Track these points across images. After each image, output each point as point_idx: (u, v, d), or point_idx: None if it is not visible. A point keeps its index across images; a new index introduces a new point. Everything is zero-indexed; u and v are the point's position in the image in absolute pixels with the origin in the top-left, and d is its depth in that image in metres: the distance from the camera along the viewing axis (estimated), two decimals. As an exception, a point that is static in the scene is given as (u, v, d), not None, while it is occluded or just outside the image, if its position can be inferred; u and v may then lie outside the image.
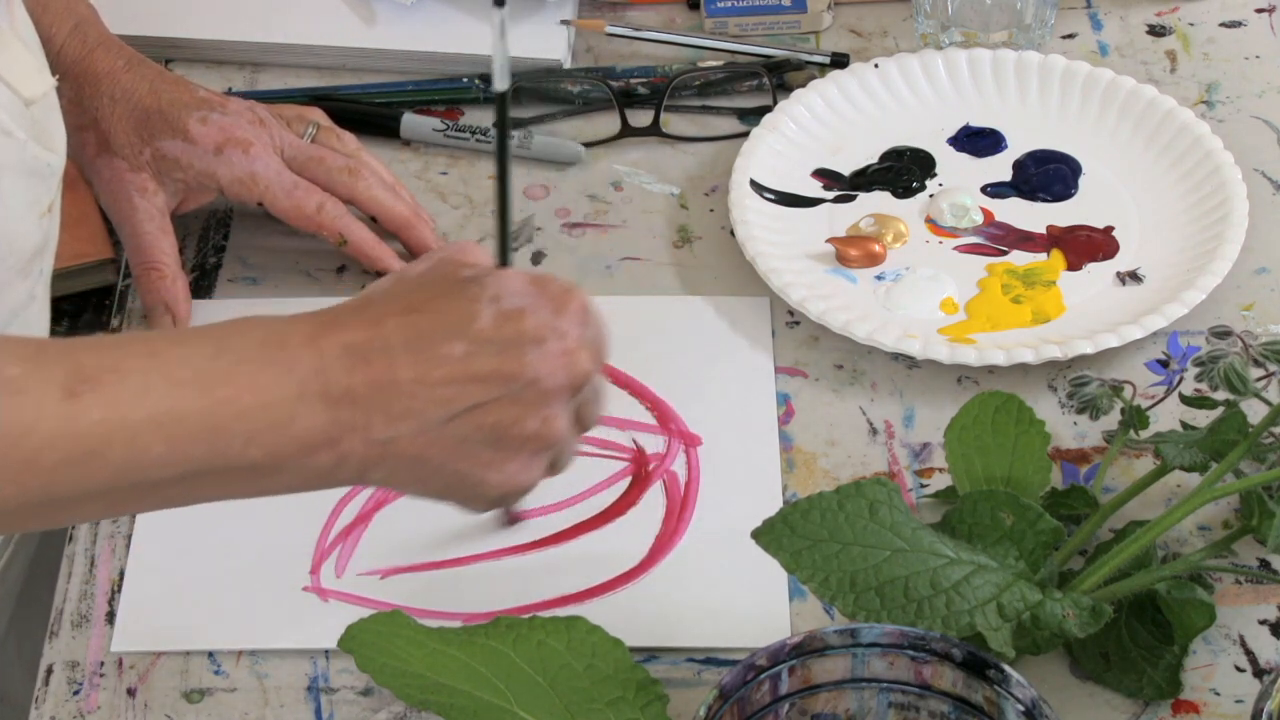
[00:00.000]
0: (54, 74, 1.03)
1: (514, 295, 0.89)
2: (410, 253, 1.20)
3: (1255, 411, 1.00)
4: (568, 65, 1.33)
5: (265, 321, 0.87)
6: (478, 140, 1.27)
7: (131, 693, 1.00)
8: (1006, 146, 1.27)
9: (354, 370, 0.86)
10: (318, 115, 1.21)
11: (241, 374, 0.84)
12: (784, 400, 1.13)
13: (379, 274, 1.18)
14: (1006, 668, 0.90)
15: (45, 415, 0.81)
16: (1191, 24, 1.35)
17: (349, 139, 1.21)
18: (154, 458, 0.84)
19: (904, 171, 1.25)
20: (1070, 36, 1.35)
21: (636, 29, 1.34)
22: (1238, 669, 1.00)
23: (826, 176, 1.25)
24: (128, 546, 1.06)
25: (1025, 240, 1.21)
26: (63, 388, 0.82)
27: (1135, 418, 1.03)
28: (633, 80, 1.31)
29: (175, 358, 0.84)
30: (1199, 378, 1.01)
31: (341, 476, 0.88)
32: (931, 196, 1.24)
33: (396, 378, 0.86)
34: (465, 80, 1.31)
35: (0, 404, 0.81)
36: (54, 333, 1.33)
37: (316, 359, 0.86)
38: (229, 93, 1.30)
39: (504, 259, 0.91)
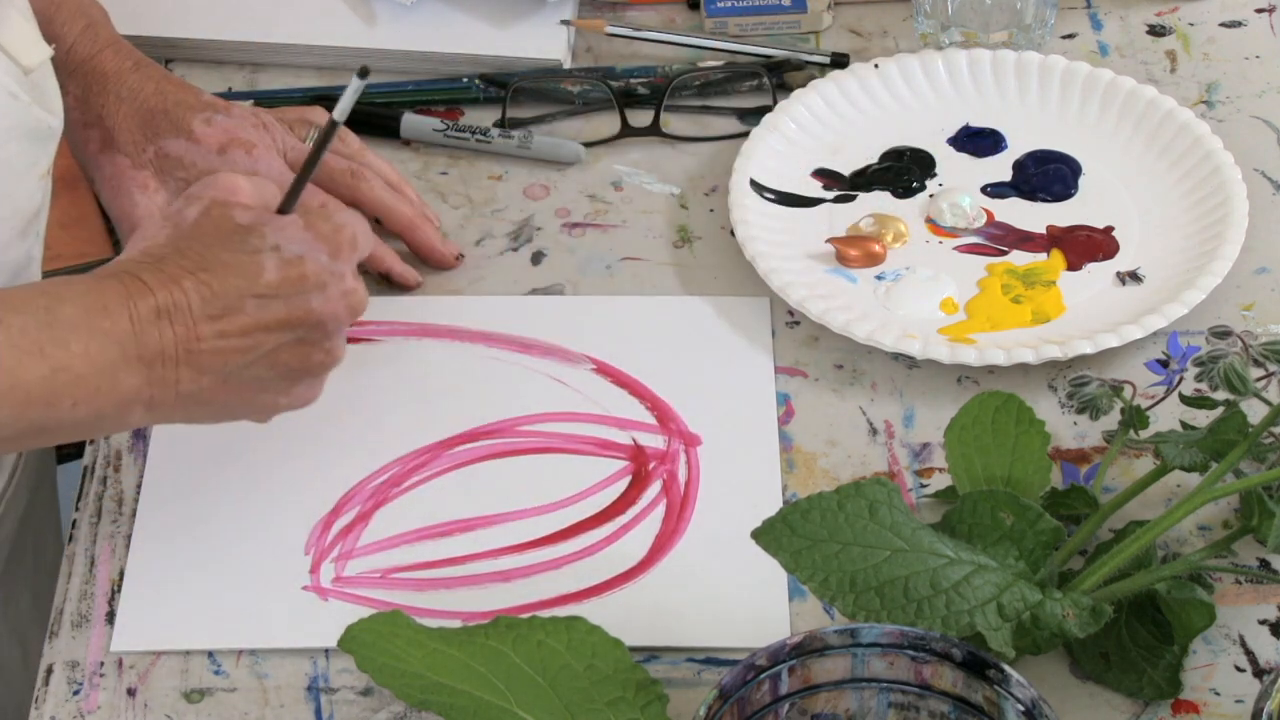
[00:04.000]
0: (64, 71, 1.04)
1: (292, 243, 0.97)
2: (415, 254, 1.20)
3: (1255, 411, 1.00)
4: (568, 65, 1.33)
5: (83, 284, 0.94)
6: (478, 140, 1.27)
7: (131, 693, 1.00)
8: (1006, 146, 1.27)
9: (163, 332, 0.94)
10: (320, 116, 1.21)
11: (73, 342, 0.92)
12: (784, 400, 1.13)
13: (382, 276, 1.19)
14: (1006, 668, 0.90)
15: None
16: (1191, 24, 1.35)
17: (352, 140, 1.21)
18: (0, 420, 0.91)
19: (904, 171, 1.25)
20: (1070, 36, 1.35)
21: (636, 29, 1.34)
22: (1238, 669, 1.00)
23: (826, 176, 1.25)
24: (128, 546, 1.06)
25: (1025, 240, 1.21)
26: None
27: (1135, 418, 1.03)
28: (633, 80, 1.31)
29: (17, 327, 0.91)
30: (1199, 378, 1.01)
31: (147, 423, 1.00)
32: (931, 196, 1.24)
33: (199, 334, 0.95)
34: (465, 80, 1.31)
35: None
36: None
37: (131, 324, 0.93)
38: (229, 93, 1.31)
39: (286, 208, 0.99)
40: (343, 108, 0.97)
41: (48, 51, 1.02)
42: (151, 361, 0.94)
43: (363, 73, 0.96)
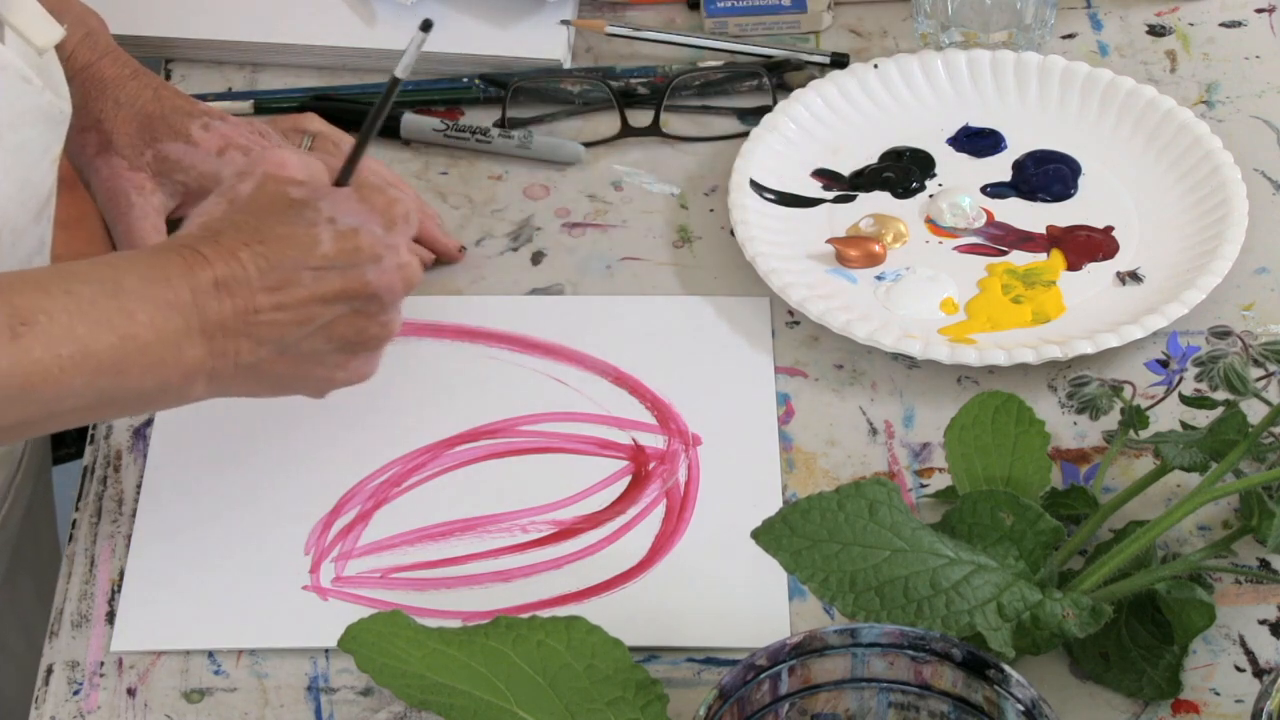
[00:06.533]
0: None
1: (348, 215, 0.97)
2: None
3: (1255, 411, 1.00)
4: (568, 65, 1.33)
5: (145, 259, 0.96)
6: (478, 140, 1.27)
7: (131, 693, 1.00)
8: (1006, 146, 1.27)
9: (222, 304, 0.95)
10: (314, 124, 1.21)
11: (139, 312, 0.93)
12: (784, 400, 1.13)
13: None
14: (1006, 668, 0.90)
15: None
16: (1191, 24, 1.35)
17: (347, 144, 1.21)
18: (73, 390, 0.92)
19: (904, 171, 1.25)
20: (1070, 36, 1.35)
21: (636, 29, 1.34)
22: (1238, 669, 1.00)
23: (826, 176, 1.25)
24: (128, 546, 1.06)
25: (1025, 240, 1.21)
26: (8, 328, 0.90)
27: (1135, 418, 1.03)
28: (633, 80, 1.31)
29: (87, 297, 0.92)
30: (1199, 378, 1.01)
31: (206, 396, 0.98)
32: (931, 196, 1.24)
33: (257, 306, 0.95)
34: (465, 80, 1.31)
35: None
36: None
37: (191, 295, 0.94)
38: (229, 93, 1.31)
39: (344, 180, 1.00)
40: (405, 64, 0.96)
41: (59, 31, 1.03)
42: (213, 333, 0.95)
43: (425, 25, 0.95)
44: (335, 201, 0.98)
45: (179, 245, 0.96)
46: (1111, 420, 1.06)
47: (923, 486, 1.09)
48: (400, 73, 0.95)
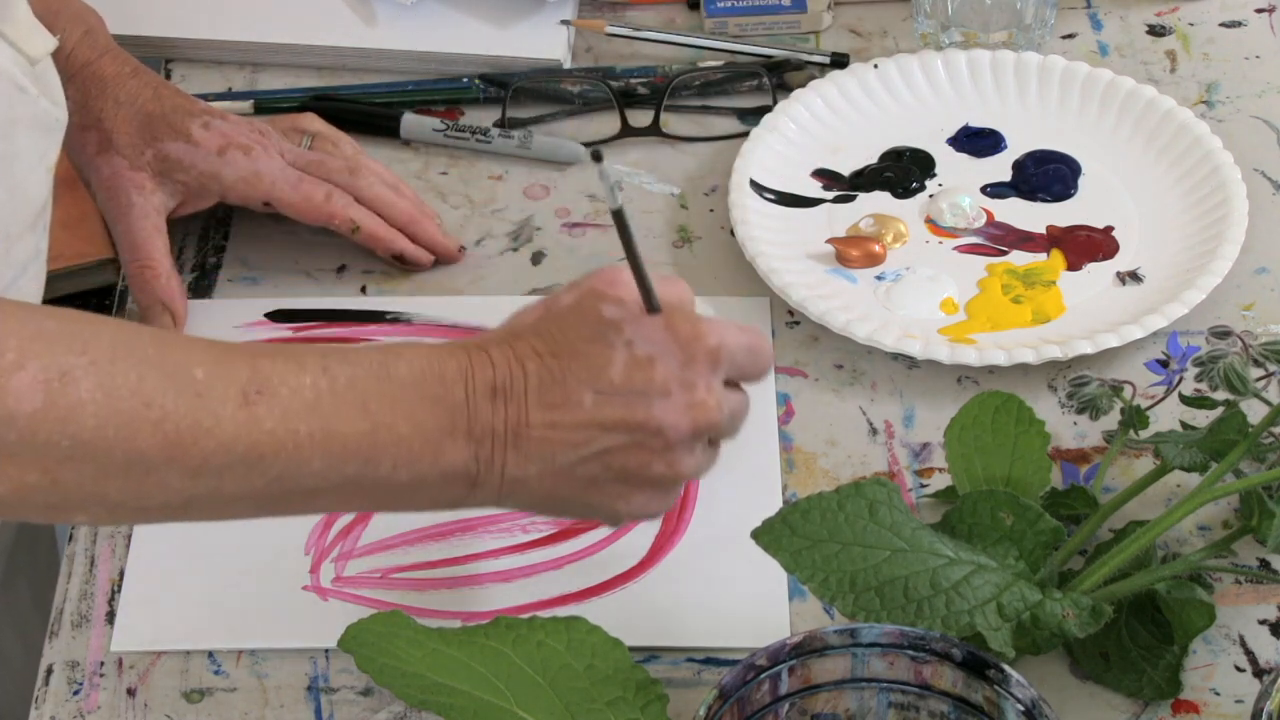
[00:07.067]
0: (63, 76, 1.05)
1: (646, 342, 0.91)
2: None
3: (1255, 411, 1.00)
4: (568, 65, 1.33)
5: (425, 351, 0.91)
6: (477, 140, 1.27)
7: (131, 693, 1.00)
8: (1006, 147, 1.27)
9: (496, 409, 0.90)
10: (313, 124, 1.21)
11: (401, 403, 0.89)
12: (784, 400, 1.13)
13: (395, 257, 1.19)
14: (1006, 668, 0.90)
15: (223, 419, 0.85)
16: (1191, 24, 1.35)
17: (346, 144, 1.21)
18: (311, 470, 0.87)
19: (904, 171, 1.25)
20: (1070, 36, 1.35)
21: (636, 29, 1.34)
22: (1238, 669, 1.00)
23: (826, 176, 1.25)
24: (128, 546, 1.06)
25: (1025, 240, 1.21)
26: (241, 393, 0.86)
27: (1135, 418, 1.03)
28: (633, 80, 1.31)
29: (344, 378, 0.88)
30: (1199, 378, 1.01)
31: (473, 503, 0.92)
32: (931, 197, 1.24)
33: (529, 420, 0.90)
34: (465, 80, 1.31)
35: (184, 404, 0.84)
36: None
37: (465, 396, 0.90)
38: (229, 93, 1.31)
39: (651, 306, 0.92)
40: (612, 196, 0.92)
41: (53, 42, 1.03)
42: (480, 438, 0.90)
43: (596, 156, 0.91)
44: (640, 327, 0.92)
45: (471, 343, 0.92)
46: (1111, 420, 1.06)
47: (923, 486, 1.09)
48: (615, 205, 0.92)
